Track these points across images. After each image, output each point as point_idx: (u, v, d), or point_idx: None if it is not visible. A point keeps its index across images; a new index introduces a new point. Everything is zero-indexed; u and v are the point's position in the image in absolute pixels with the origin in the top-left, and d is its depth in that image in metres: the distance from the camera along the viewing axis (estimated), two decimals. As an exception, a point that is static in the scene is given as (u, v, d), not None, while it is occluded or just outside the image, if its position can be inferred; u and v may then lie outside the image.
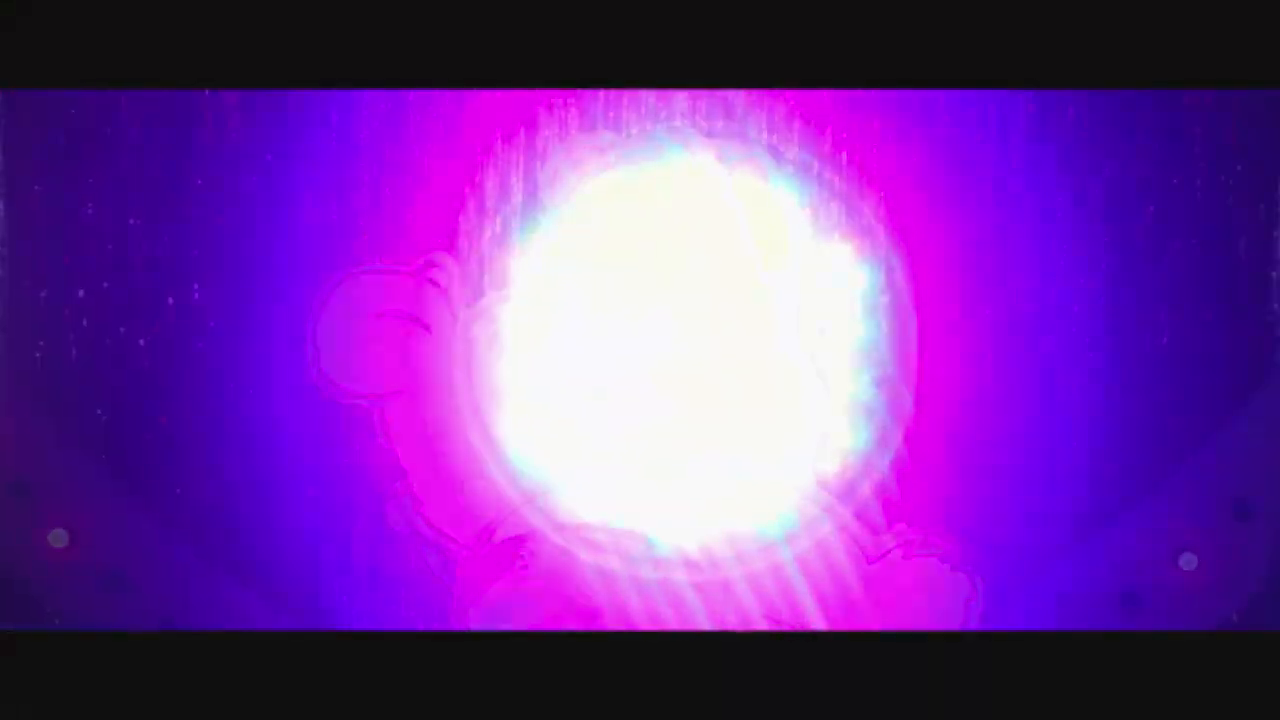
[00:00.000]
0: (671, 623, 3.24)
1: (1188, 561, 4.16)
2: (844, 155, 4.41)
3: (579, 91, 3.95)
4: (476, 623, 3.39)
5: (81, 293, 4.60)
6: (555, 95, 4.02)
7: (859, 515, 3.47)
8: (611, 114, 4.13)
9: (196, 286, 4.58)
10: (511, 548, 3.38)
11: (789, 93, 3.95)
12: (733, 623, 3.26)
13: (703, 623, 3.21)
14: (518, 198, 4.52)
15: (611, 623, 3.25)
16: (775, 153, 4.27)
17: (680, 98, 4.00)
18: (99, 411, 4.64)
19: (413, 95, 4.10)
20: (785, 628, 3.30)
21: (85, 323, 4.60)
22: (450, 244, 4.44)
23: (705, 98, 4.03)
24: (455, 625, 3.40)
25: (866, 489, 3.53)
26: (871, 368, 3.47)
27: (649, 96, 4.02)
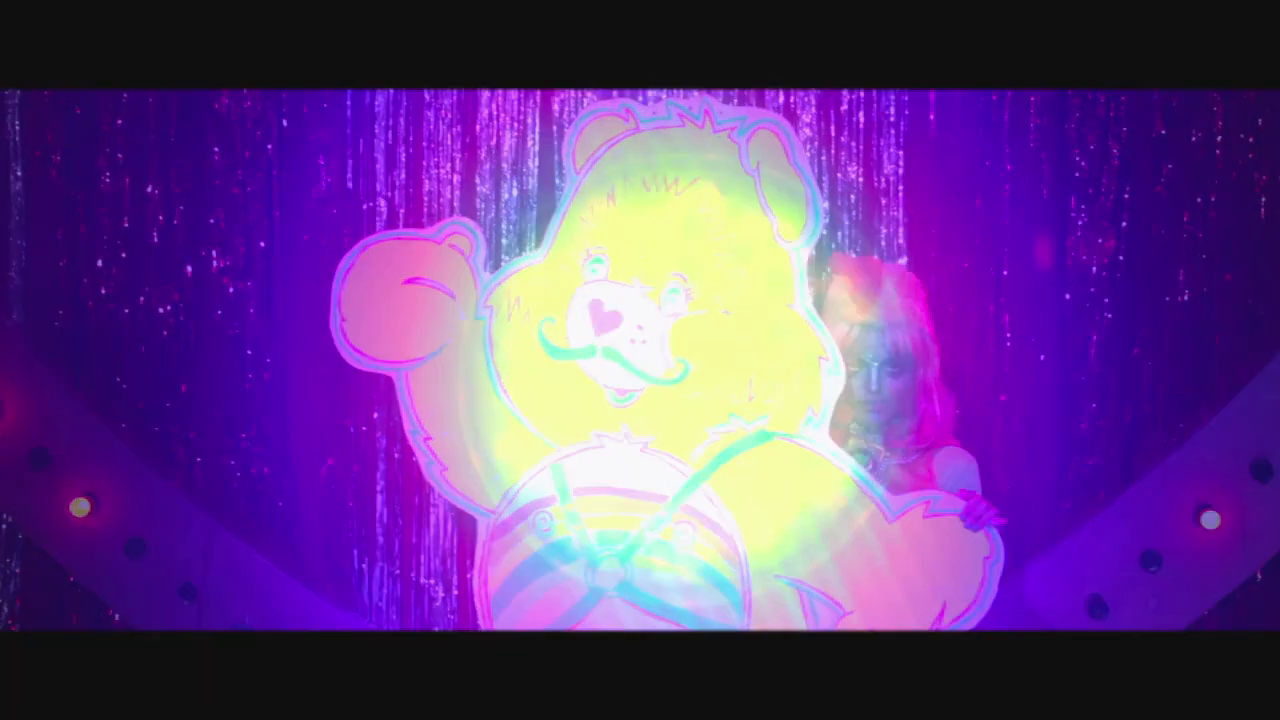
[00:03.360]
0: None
1: (1210, 520, 4.18)
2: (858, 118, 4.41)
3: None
4: (492, 587, 3.39)
5: (100, 261, 4.61)
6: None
7: (879, 476, 3.46)
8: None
9: (215, 254, 4.59)
10: (529, 511, 3.38)
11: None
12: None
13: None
14: (536, 162, 4.52)
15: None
16: (792, 117, 4.28)
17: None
18: (119, 380, 4.65)
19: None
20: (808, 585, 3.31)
21: (104, 291, 4.61)
22: (470, 209, 4.45)
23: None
24: (475, 588, 3.41)
25: (885, 452, 3.52)
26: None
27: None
